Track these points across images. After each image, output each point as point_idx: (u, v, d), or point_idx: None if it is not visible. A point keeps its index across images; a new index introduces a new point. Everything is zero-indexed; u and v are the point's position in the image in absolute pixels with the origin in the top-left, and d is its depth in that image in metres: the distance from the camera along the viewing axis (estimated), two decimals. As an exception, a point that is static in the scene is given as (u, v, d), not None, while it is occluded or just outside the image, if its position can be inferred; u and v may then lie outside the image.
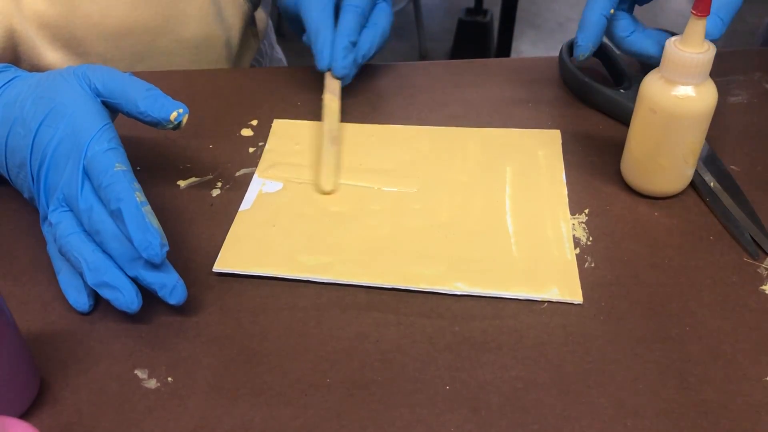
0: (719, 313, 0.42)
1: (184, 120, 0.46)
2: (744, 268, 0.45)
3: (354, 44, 0.57)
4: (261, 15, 0.75)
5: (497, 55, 2.06)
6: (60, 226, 0.42)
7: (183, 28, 0.65)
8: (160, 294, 0.41)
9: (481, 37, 2.35)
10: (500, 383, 0.39)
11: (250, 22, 0.72)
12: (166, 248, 0.41)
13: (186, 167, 0.54)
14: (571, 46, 0.62)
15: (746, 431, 0.37)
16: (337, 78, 0.57)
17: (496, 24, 2.27)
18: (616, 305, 0.43)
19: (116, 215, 0.41)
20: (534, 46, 2.49)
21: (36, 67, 0.62)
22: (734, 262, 0.45)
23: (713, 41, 0.46)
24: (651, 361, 0.40)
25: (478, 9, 2.34)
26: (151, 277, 0.41)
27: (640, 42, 0.53)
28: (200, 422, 0.38)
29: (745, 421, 0.37)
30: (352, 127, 0.57)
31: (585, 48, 0.53)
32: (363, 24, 0.58)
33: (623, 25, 0.54)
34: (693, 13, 0.43)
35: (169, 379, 0.40)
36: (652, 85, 0.46)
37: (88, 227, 0.42)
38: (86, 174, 0.42)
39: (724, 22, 0.49)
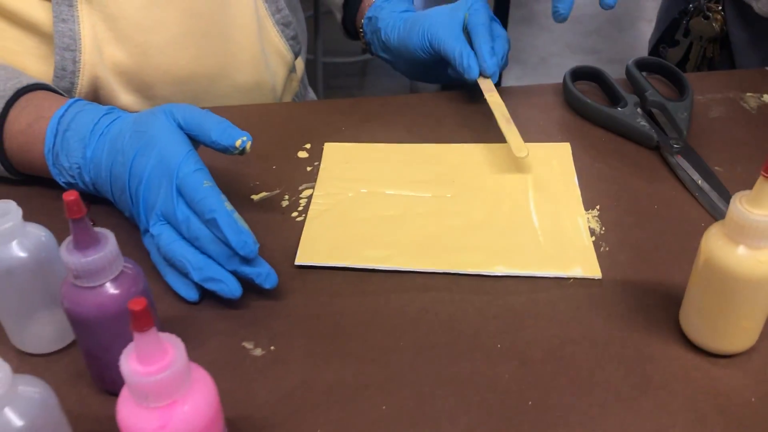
0: (713, 281, 0.52)
1: (248, 146, 0.54)
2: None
3: (492, 49, 0.68)
4: (300, 63, 0.86)
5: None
6: (162, 236, 0.52)
7: (237, 75, 0.75)
8: (257, 281, 0.50)
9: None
10: (541, 341, 0.49)
11: (291, 69, 0.82)
12: (257, 245, 0.50)
13: (256, 185, 0.63)
14: (573, 74, 0.73)
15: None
16: (488, 76, 0.68)
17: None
18: (628, 279, 0.53)
19: (211, 223, 0.50)
20: (519, 80, 2.62)
21: None
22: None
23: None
24: (659, 318, 0.50)
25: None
26: (248, 270, 0.50)
27: None
28: (302, 379, 0.47)
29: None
30: (393, 148, 0.67)
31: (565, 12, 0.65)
32: (491, 35, 0.69)
33: None
34: (764, 175, 0.41)
35: (272, 348, 0.49)
36: (715, 240, 0.44)
37: (188, 235, 0.51)
38: (179, 192, 0.51)
39: None
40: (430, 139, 0.68)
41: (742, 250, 0.43)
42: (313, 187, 0.63)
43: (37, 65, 0.68)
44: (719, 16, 0.85)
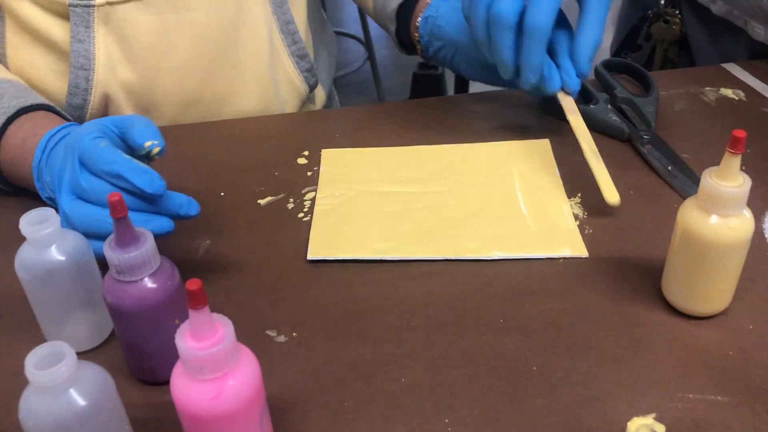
0: (688, 254, 0.58)
1: (155, 152, 0.53)
2: (702, 222, 0.61)
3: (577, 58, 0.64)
4: (320, 94, 0.89)
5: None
6: (74, 211, 0.51)
7: (245, 101, 0.79)
8: (181, 213, 0.52)
9: (436, 89, 2.54)
10: (539, 314, 0.54)
11: (306, 100, 0.85)
12: (164, 181, 0.50)
13: (261, 190, 0.67)
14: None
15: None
16: (570, 92, 0.65)
17: (447, 76, 2.48)
18: (612, 256, 0.58)
19: (114, 176, 0.49)
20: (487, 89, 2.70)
21: None
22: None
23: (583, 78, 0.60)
24: (643, 288, 0.55)
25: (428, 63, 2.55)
26: (168, 206, 0.51)
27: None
28: (325, 359, 0.51)
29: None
30: (387, 151, 0.72)
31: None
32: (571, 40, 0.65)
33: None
34: (729, 151, 0.46)
35: (294, 334, 0.53)
36: (689, 213, 0.49)
37: (96, 199, 0.51)
38: (82, 164, 0.51)
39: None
40: (420, 142, 0.73)
41: (714, 219, 0.48)
42: (315, 190, 0.67)
43: (54, 81, 0.72)
44: (677, 20, 0.92)
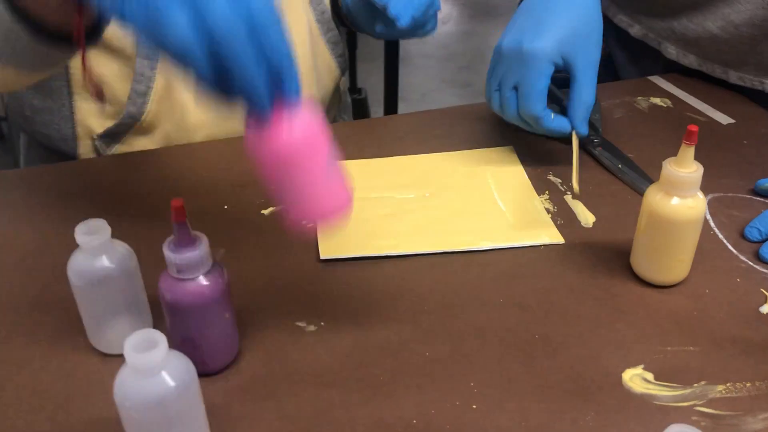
0: (647, 236, 0.67)
1: None
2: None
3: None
4: (343, 79, 0.98)
5: (384, 125, 2.35)
6: None
7: None
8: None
9: (360, 113, 2.64)
10: (531, 292, 0.62)
11: (338, 84, 0.94)
12: None
13: (262, 201, 0.73)
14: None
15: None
16: (581, 136, 0.74)
17: (371, 100, 2.58)
18: (584, 241, 0.67)
19: None
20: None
21: None
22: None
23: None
24: (615, 265, 0.64)
25: (354, 88, 2.64)
26: None
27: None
28: (354, 342, 0.57)
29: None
30: (372, 162, 0.79)
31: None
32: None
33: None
34: (685, 143, 0.55)
35: (322, 323, 0.59)
36: (654, 196, 0.59)
37: None
38: None
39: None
40: (398, 153, 0.80)
41: (675, 200, 0.58)
42: (312, 199, 0.73)
43: (118, 84, 0.78)
44: (602, 41, 1.04)
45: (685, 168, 0.57)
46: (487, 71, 0.77)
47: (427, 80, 3.12)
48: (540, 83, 0.71)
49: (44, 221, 0.70)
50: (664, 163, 0.58)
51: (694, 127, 0.56)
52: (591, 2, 0.74)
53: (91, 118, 0.82)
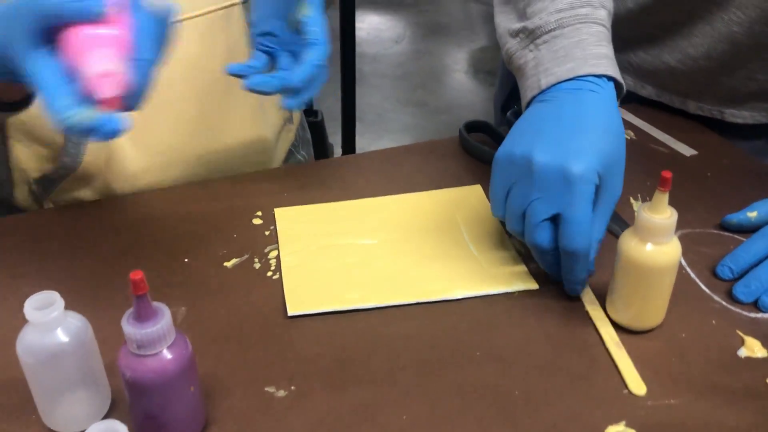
0: (620, 278, 0.66)
1: None
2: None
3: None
4: (296, 113, 0.96)
5: (344, 150, 2.32)
6: None
7: (236, 128, 0.84)
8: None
9: (318, 135, 2.61)
10: (508, 343, 0.60)
11: (286, 120, 0.94)
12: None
13: (224, 253, 0.70)
14: (466, 127, 0.87)
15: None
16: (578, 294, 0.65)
17: (327, 122, 2.56)
18: (557, 284, 0.66)
19: None
20: (361, 136, 2.80)
21: None
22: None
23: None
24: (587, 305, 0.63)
25: (310, 111, 2.62)
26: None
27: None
28: (328, 408, 0.55)
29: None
30: (337, 205, 0.76)
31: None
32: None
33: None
34: (659, 189, 0.54)
35: (292, 387, 0.56)
36: (629, 243, 0.57)
37: None
38: None
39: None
40: (363, 195, 0.78)
41: (650, 246, 0.57)
42: (277, 248, 0.71)
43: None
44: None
45: (659, 214, 0.56)
46: (490, 182, 0.66)
47: (382, 100, 3.11)
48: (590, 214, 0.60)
49: (-10, 283, 0.66)
50: (638, 209, 0.57)
51: (668, 173, 0.55)
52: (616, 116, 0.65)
53: (28, 162, 0.78)
